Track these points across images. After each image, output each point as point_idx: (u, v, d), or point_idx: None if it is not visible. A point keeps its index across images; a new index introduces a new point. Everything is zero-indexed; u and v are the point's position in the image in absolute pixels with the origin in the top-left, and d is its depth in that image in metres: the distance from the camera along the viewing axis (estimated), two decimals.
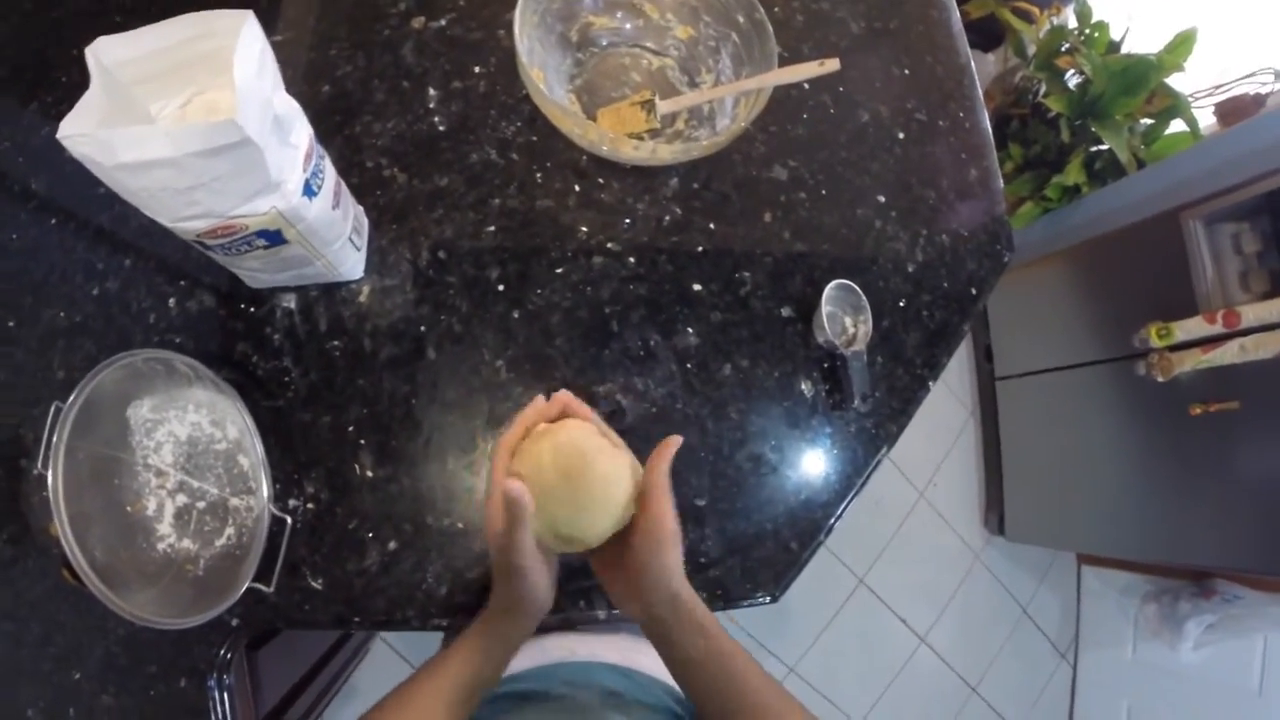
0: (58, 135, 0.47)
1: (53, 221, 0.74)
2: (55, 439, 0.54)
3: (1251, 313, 1.34)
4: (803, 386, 0.81)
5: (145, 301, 0.72)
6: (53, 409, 0.56)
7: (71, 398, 0.56)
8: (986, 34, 2.13)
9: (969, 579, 2.08)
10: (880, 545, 1.98)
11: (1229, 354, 1.36)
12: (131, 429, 0.65)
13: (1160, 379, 1.50)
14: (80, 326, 0.71)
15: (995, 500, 2.09)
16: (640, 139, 0.80)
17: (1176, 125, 1.78)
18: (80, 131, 0.47)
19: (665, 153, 0.74)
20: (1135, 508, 1.68)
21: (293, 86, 0.78)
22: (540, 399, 0.58)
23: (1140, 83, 1.71)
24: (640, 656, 0.70)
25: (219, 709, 0.65)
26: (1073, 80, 1.83)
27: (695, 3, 0.86)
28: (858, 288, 0.82)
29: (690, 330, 0.79)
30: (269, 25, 0.81)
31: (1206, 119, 1.80)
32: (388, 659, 1.50)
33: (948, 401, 2.20)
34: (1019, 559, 2.14)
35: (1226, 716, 1.70)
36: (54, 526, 0.53)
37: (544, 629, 0.70)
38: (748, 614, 1.77)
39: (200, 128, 0.47)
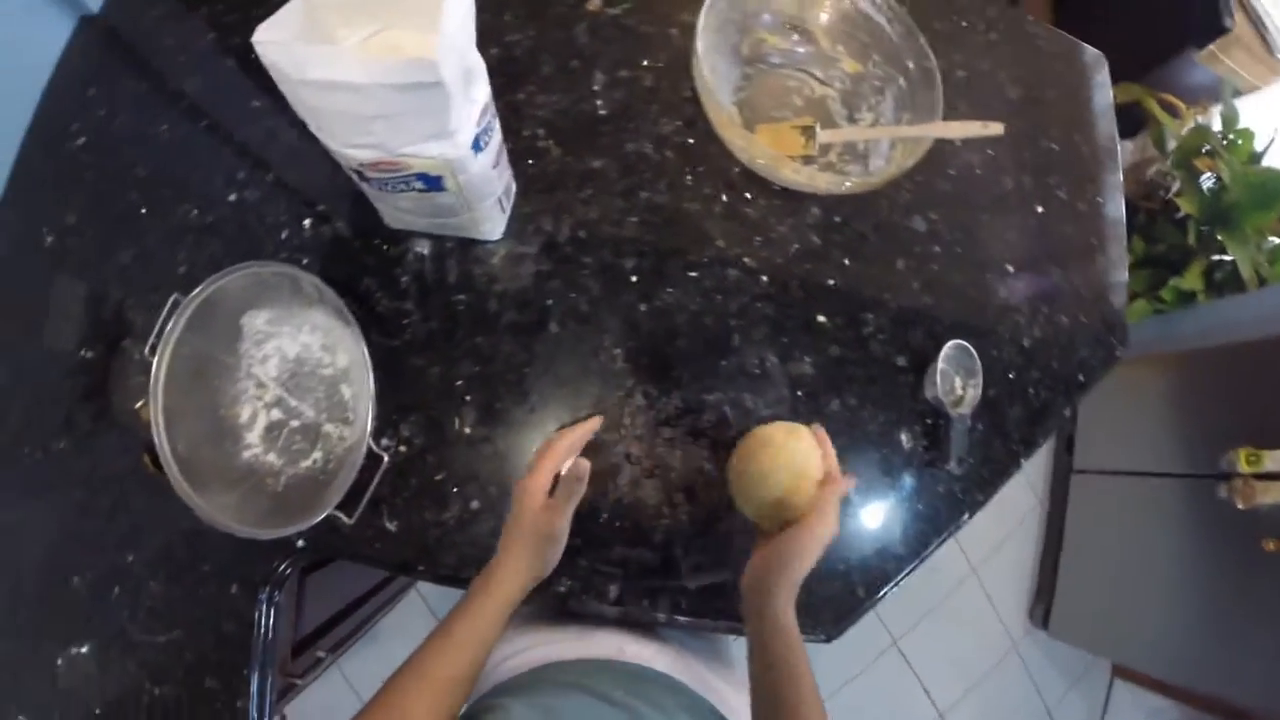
0: (253, 39, 0.48)
1: (203, 124, 0.77)
2: (169, 327, 0.56)
3: None
4: (902, 437, 0.81)
5: (281, 217, 0.75)
6: (171, 299, 0.59)
7: (195, 292, 0.57)
8: (1127, 120, 2.06)
9: (1001, 665, 2.02)
10: (922, 611, 1.94)
11: None
12: (243, 336, 0.67)
13: (1240, 505, 1.44)
14: (211, 227, 0.73)
15: (1045, 592, 2.03)
16: (801, 163, 0.81)
17: None
18: (276, 39, 0.49)
19: (822, 181, 0.75)
20: (1185, 630, 1.61)
21: None
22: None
23: (1275, 198, 1.64)
24: (689, 670, 0.69)
25: (264, 621, 0.66)
26: (1207, 184, 1.78)
27: (867, 39, 0.86)
28: (974, 351, 0.81)
29: (807, 359, 0.79)
30: None
31: None
32: (416, 610, 1.53)
33: (1019, 483, 2.14)
34: (1055, 657, 2.07)
35: None
36: (146, 411, 0.54)
37: (598, 621, 0.72)
38: None
39: (398, 62, 0.48)
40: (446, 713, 0.51)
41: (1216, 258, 1.72)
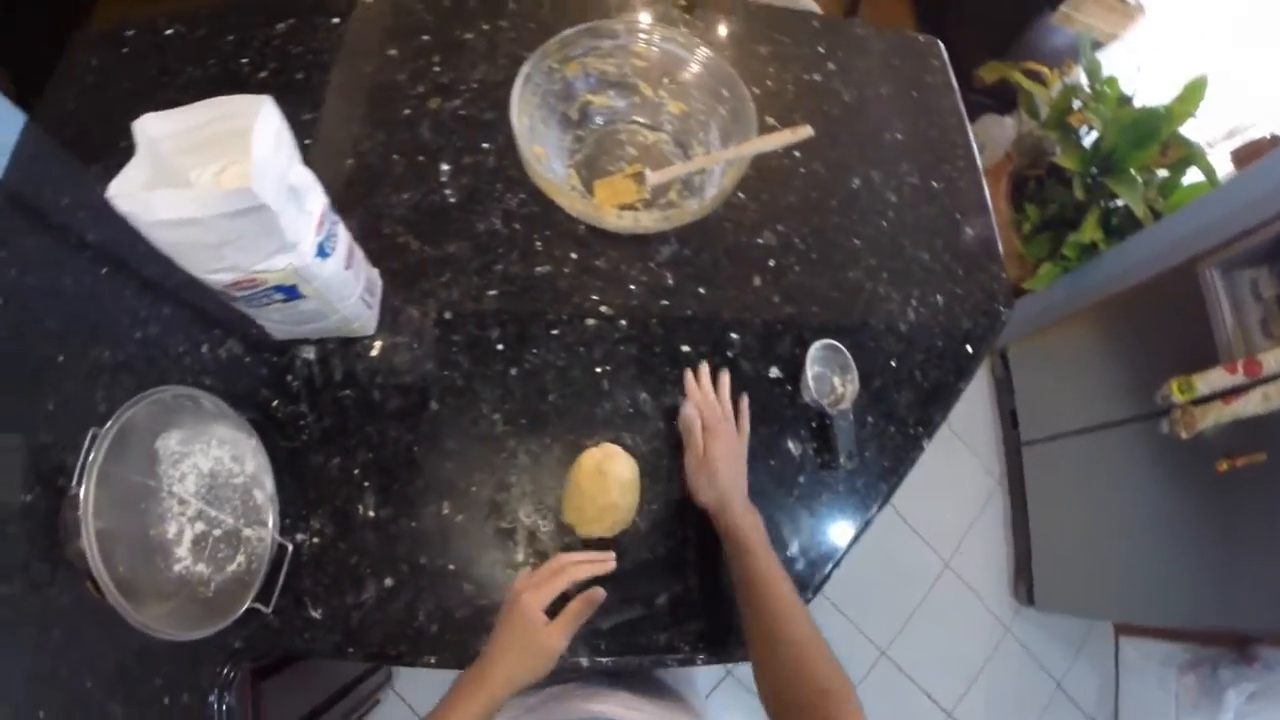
0: (106, 194, 0.53)
1: (104, 271, 0.82)
2: (90, 459, 0.60)
3: (1273, 359, 1.29)
4: (790, 446, 0.83)
5: (182, 346, 0.79)
6: (90, 434, 0.62)
7: (108, 424, 0.62)
8: (1000, 98, 2.16)
9: (999, 651, 1.98)
10: (904, 616, 1.91)
11: (1252, 404, 1.31)
12: (160, 459, 0.71)
13: (1184, 436, 1.45)
14: (123, 364, 0.78)
15: (1024, 569, 2.01)
16: (633, 209, 0.85)
17: (1194, 176, 1.76)
18: (125, 191, 0.54)
19: (647, 220, 0.79)
20: (1168, 572, 1.60)
21: (322, 160, 0.87)
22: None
23: (1152, 134, 1.70)
24: (634, 714, 0.69)
25: None
26: (1087, 138, 1.85)
27: (685, 80, 0.92)
28: (844, 347, 0.84)
29: (679, 390, 0.82)
30: (305, 104, 0.91)
31: (1225, 167, 1.78)
32: (397, 709, 1.51)
33: (974, 469, 2.14)
34: (1052, 630, 2.04)
35: None
36: (82, 541, 0.57)
37: (549, 684, 0.73)
38: None
39: (222, 193, 0.54)
40: None
41: (1110, 205, 1.77)
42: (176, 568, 0.69)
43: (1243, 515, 1.44)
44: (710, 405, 0.76)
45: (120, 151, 0.87)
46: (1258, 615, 1.45)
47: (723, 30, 1.11)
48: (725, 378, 0.80)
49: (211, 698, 0.68)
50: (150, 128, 0.58)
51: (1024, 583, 2.00)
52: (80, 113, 0.92)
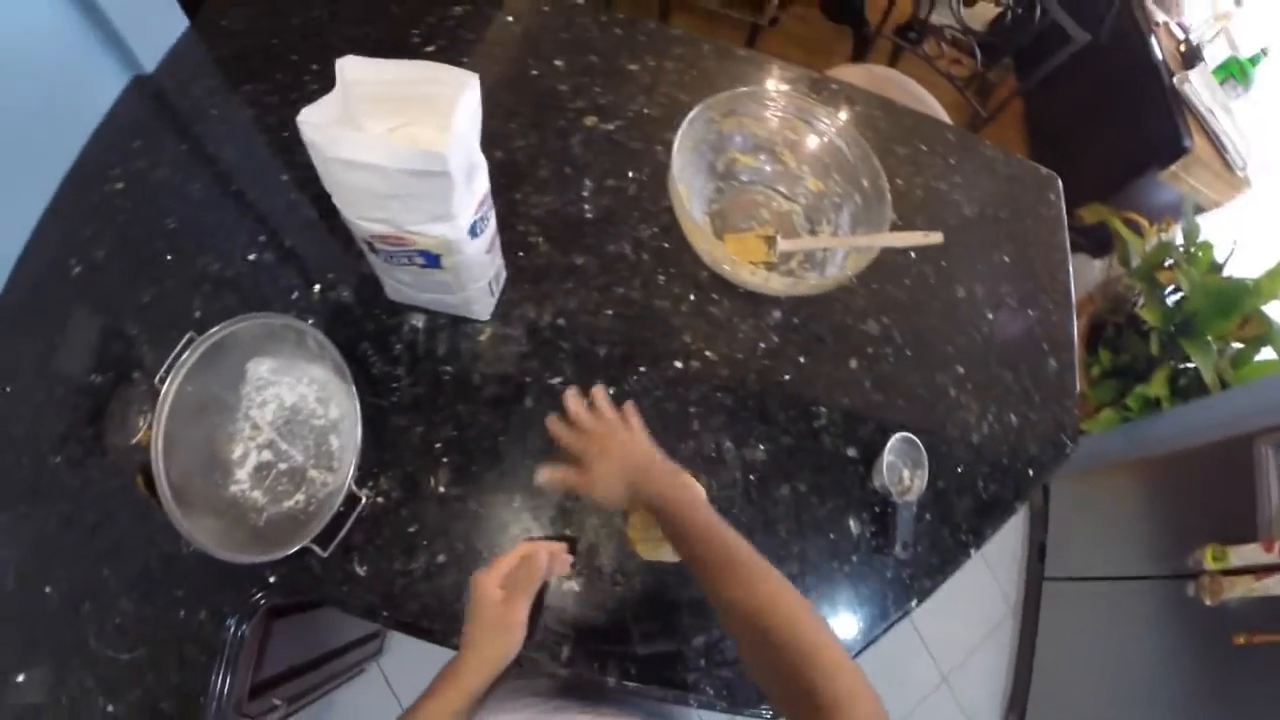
0: (298, 119, 0.56)
1: (233, 188, 0.86)
2: (182, 360, 0.62)
3: None
4: (850, 523, 0.86)
5: (293, 280, 0.82)
6: (187, 336, 0.65)
7: (211, 332, 0.64)
8: (1096, 240, 2.19)
9: None
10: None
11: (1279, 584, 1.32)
12: (246, 380, 0.73)
13: (1208, 602, 1.45)
14: (229, 281, 0.81)
15: (1019, 702, 1.98)
16: (759, 268, 0.90)
17: (1266, 353, 1.77)
18: (315, 121, 0.57)
19: (776, 283, 0.83)
20: None
21: None
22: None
23: (1235, 306, 1.72)
24: None
25: (226, 650, 0.69)
26: (1171, 296, 1.87)
27: (828, 160, 0.97)
28: (920, 444, 0.88)
29: (761, 446, 0.85)
30: None
31: None
32: (377, 684, 1.52)
33: (991, 591, 2.13)
34: None
35: None
36: (147, 434, 0.60)
37: (565, 693, 0.75)
38: None
39: (416, 151, 0.57)
40: None
41: (1181, 365, 1.79)
42: (233, 488, 0.70)
43: (1250, 693, 1.43)
44: (590, 419, 0.71)
45: (276, 82, 0.95)
46: None
47: (868, 124, 1.16)
48: (599, 389, 0.75)
49: (230, 621, 0.69)
50: (348, 69, 0.60)
51: (1015, 715, 1.98)
52: (246, 35, 0.96)
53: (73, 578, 0.68)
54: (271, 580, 0.71)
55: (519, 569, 0.67)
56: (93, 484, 0.71)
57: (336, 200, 0.64)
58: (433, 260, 0.70)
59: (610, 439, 0.68)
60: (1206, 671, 1.52)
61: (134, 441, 0.68)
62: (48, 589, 0.67)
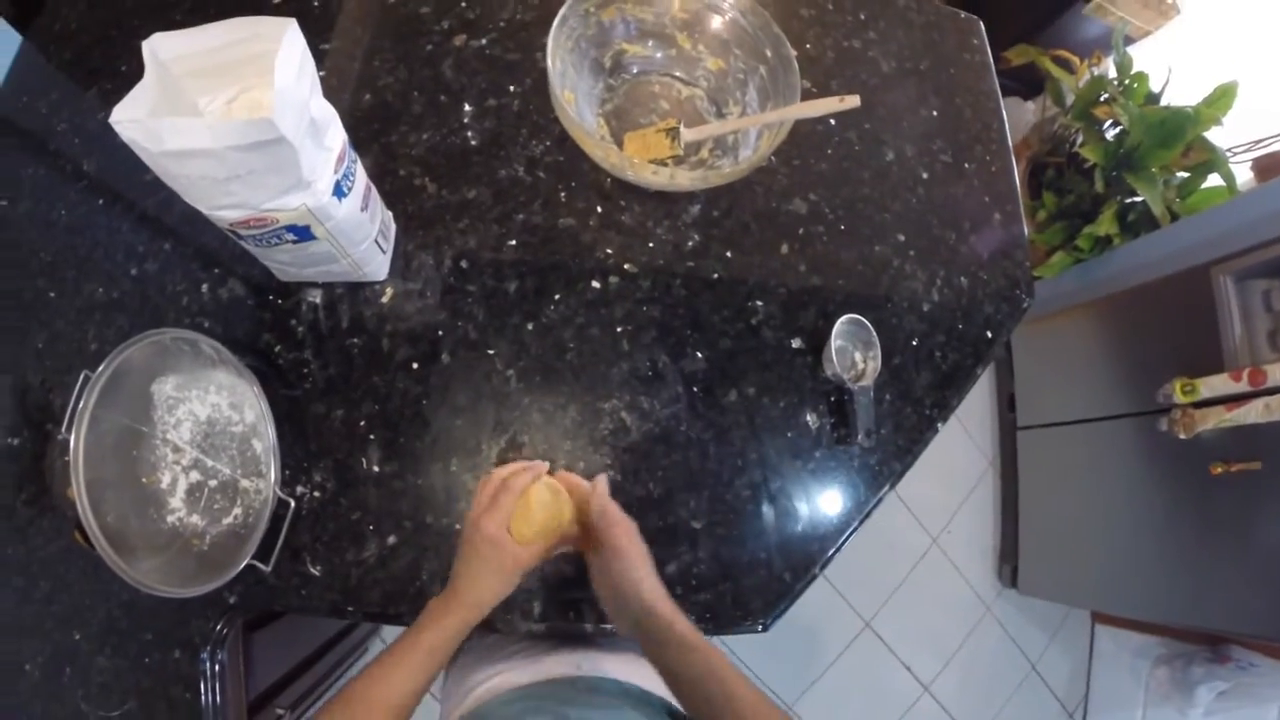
0: (110, 120, 0.50)
1: (100, 202, 0.79)
2: (81, 405, 0.58)
3: (1278, 371, 1.31)
4: (808, 418, 0.82)
5: (180, 285, 0.76)
6: (82, 377, 0.60)
7: (101, 367, 0.59)
8: (1027, 82, 2.13)
9: (978, 630, 2.03)
10: (889, 590, 1.95)
11: (1253, 413, 1.33)
12: (154, 404, 0.69)
13: (1182, 436, 1.47)
14: (117, 303, 0.75)
15: (1010, 552, 2.05)
16: (664, 165, 0.82)
17: (1213, 180, 1.74)
18: (131, 117, 0.50)
19: (684, 178, 0.76)
20: (1151, 567, 1.63)
21: (336, 94, 0.83)
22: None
23: (1177, 135, 1.69)
24: (645, 670, 0.70)
25: (210, 682, 0.67)
26: (1110, 131, 1.82)
27: (726, 35, 0.88)
28: (869, 324, 0.82)
29: (699, 355, 0.80)
30: (319, 33, 0.86)
31: (1244, 174, 1.77)
32: None
33: (967, 449, 2.17)
34: (1031, 613, 2.09)
35: None
36: (71, 490, 0.56)
37: (548, 639, 0.73)
38: (748, 648, 1.76)
39: (239, 124, 0.50)
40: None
41: (1128, 201, 1.76)
42: (170, 519, 0.67)
43: (1229, 519, 1.47)
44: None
45: (122, 75, 0.85)
46: (1232, 617, 1.49)
47: None
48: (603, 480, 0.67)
49: (204, 654, 0.67)
50: (160, 48, 0.54)
51: (1008, 565, 2.05)
52: (81, 33, 0.87)
53: (45, 649, 0.66)
54: (232, 601, 0.68)
55: (506, 498, 0.60)
56: (37, 550, 0.68)
57: (182, 195, 0.57)
58: (304, 233, 0.63)
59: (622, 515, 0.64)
60: (1187, 504, 1.56)
61: (68, 497, 0.63)
62: (27, 666, 0.66)
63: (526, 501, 0.62)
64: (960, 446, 2.15)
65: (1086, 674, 2.09)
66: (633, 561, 0.60)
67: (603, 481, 0.65)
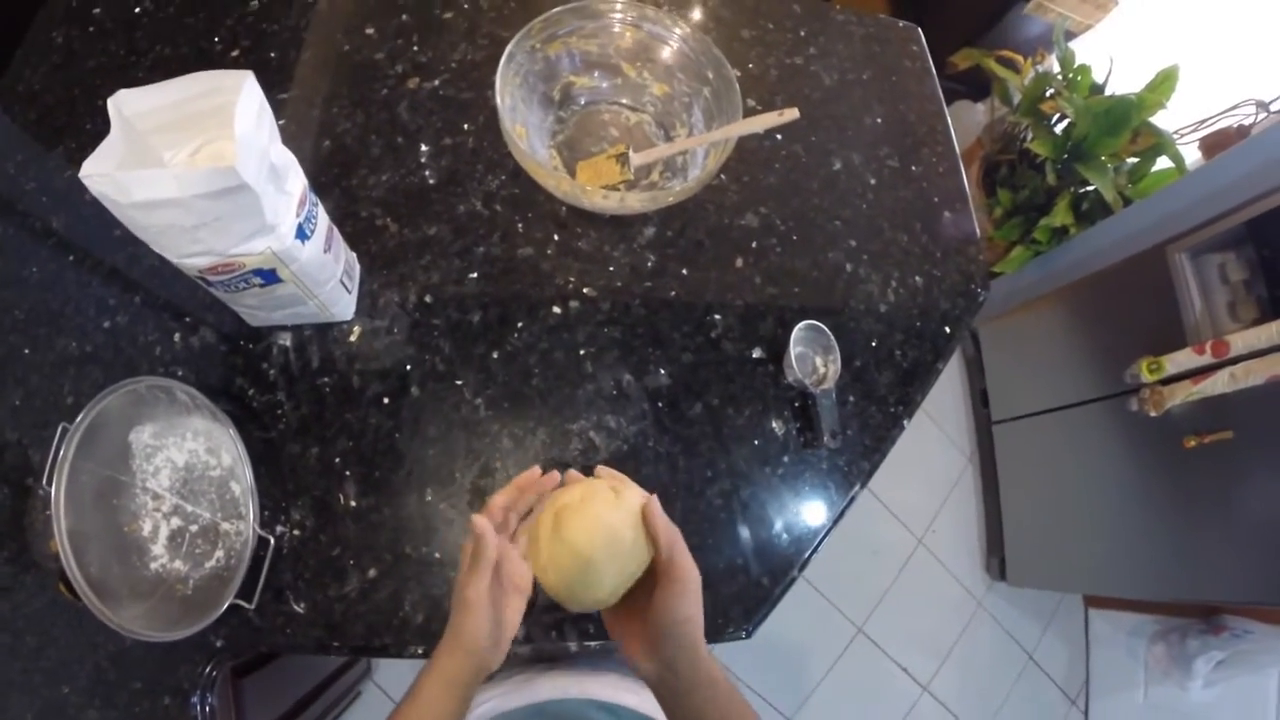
0: (80, 174, 0.52)
1: (70, 258, 0.79)
2: (60, 457, 0.58)
3: (1240, 340, 1.33)
4: (773, 425, 0.84)
5: (152, 335, 0.77)
6: (60, 429, 0.61)
7: (78, 419, 0.60)
8: (974, 84, 2.19)
9: (972, 626, 2.04)
10: (878, 594, 1.96)
11: (1219, 383, 1.35)
12: (133, 453, 0.69)
13: (1153, 414, 1.50)
14: (91, 356, 0.75)
15: (996, 545, 2.07)
16: (616, 190, 0.85)
17: (1163, 163, 1.80)
18: (99, 172, 0.53)
19: (635, 201, 0.79)
20: (1137, 545, 1.65)
21: (296, 141, 0.85)
22: (535, 470, 0.61)
23: (1123, 122, 1.74)
24: (627, 695, 0.71)
25: None
26: (1058, 125, 1.88)
27: (670, 61, 0.91)
28: (826, 328, 0.85)
29: (662, 371, 0.82)
30: (277, 83, 0.89)
31: (1193, 155, 1.82)
32: (378, 702, 1.50)
33: (945, 449, 2.19)
34: (1023, 604, 2.10)
35: None
36: (54, 543, 0.56)
37: (536, 663, 0.73)
38: (742, 663, 1.76)
39: (204, 172, 0.52)
40: None
41: (1081, 190, 1.80)
42: (153, 566, 0.68)
43: (1208, 490, 1.50)
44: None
45: (87, 133, 0.87)
46: (1221, 586, 1.51)
47: (705, 14, 1.10)
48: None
49: (194, 699, 0.67)
50: (125, 105, 0.56)
51: (995, 558, 2.06)
52: (45, 93, 0.89)
53: (36, 705, 0.65)
54: (219, 644, 0.68)
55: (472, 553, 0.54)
56: (22, 606, 0.67)
57: (152, 245, 0.59)
58: (270, 277, 0.65)
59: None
60: (1165, 480, 1.58)
61: (50, 550, 0.63)
62: None
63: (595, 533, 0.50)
64: (938, 446, 2.18)
65: (1085, 658, 2.10)
66: (696, 596, 0.51)
67: (655, 500, 0.54)
